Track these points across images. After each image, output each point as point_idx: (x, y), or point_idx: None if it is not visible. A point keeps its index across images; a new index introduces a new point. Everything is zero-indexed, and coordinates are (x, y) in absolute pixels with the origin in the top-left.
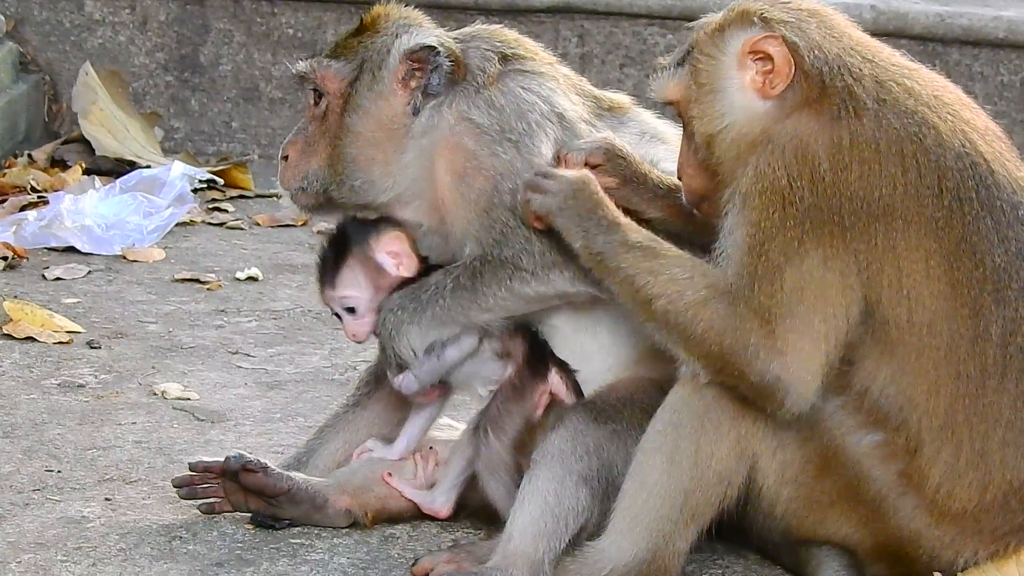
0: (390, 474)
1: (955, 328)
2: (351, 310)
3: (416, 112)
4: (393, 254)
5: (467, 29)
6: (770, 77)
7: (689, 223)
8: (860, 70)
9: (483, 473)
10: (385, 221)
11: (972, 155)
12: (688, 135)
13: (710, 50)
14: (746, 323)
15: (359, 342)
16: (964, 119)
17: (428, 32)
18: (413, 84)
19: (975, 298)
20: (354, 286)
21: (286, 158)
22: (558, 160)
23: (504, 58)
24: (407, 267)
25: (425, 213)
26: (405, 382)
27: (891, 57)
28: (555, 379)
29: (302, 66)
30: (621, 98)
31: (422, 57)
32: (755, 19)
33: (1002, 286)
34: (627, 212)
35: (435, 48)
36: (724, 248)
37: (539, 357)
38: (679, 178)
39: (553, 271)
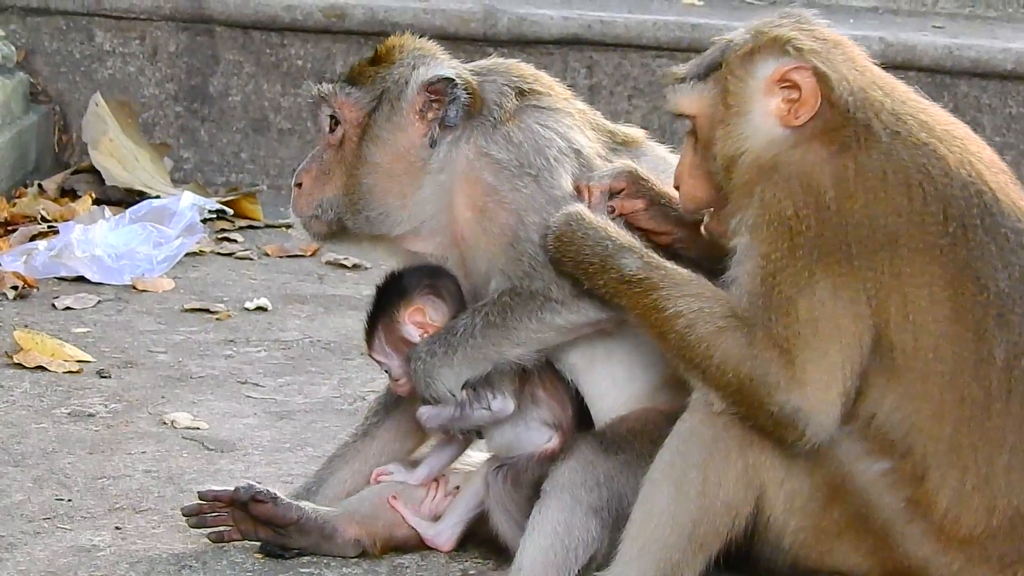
0: (395, 497)
1: (959, 352)
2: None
3: (433, 144)
4: (418, 324)
5: (483, 62)
6: (795, 106)
7: (711, 242)
8: (881, 103)
9: (493, 508)
10: (419, 282)
11: (977, 184)
12: (699, 149)
13: (740, 73)
14: (764, 353)
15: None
16: (971, 151)
17: (445, 64)
18: (430, 116)
19: (979, 322)
20: (381, 353)
21: (299, 185)
22: (579, 191)
23: (521, 93)
24: (430, 333)
25: (445, 247)
26: (427, 416)
27: (907, 92)
28: None
29: (325, 89)
30: (635, 132)
31: (440, 89)
32: (788, 48)
33: (1006, 311)
34: (655, 233)
35: (453, 80)
36: (736, 278)
37: (581, 425)
38: (676, 187)
39: (583, 298)
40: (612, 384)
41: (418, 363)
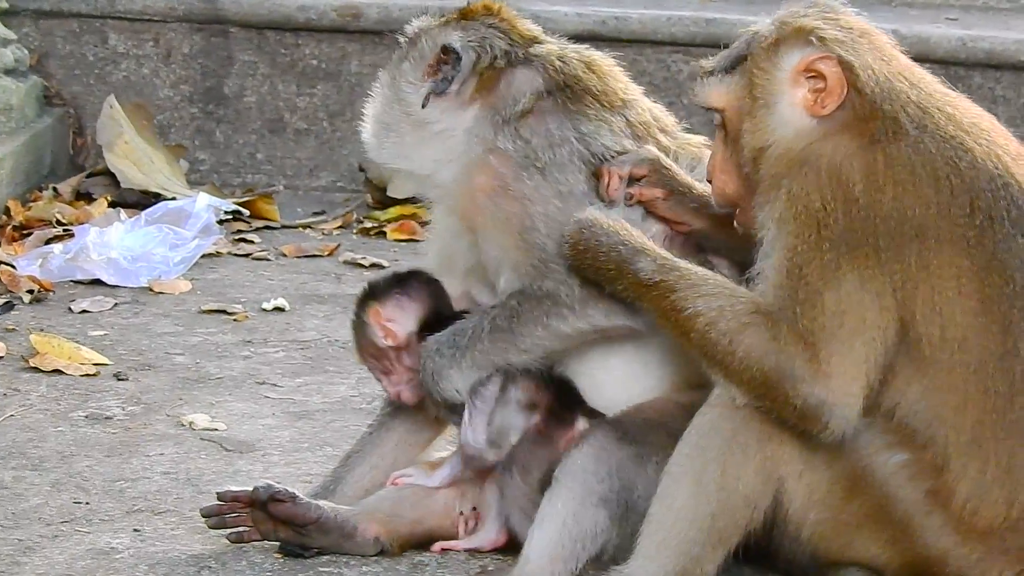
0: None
1: (985, 344)
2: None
3: (424, 105)
4: (380, 326)
5: (556, 47)
6: (821, 96)
7: (732, 235)
8: (907, 95)
9: (508, 507)
10: (388, 286)
11: (1005, 177)
12: (728, 142)
13: (765, 64)
14: (788, 347)
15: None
16: (999, 144)
17: (492, 37)
18: (436, 77)
19: (1004, 315)
20: (363, 358)
21: None
22: (599, 175)
23: (556, 89)
24: (392, 338)
25: (463, 221)
26: (472, 438)
27: (933, 83)
28: (582, 426)
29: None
30: (694, 141)
31: (446, 58)
32: (812, 38)
33: None
34: (674, 223)
35: (457, 54)
36: (762, 271)
37: (566, 404)
38: (708, 180)
39: (589, 305)
40: (612, 382)
41: (428, 360)
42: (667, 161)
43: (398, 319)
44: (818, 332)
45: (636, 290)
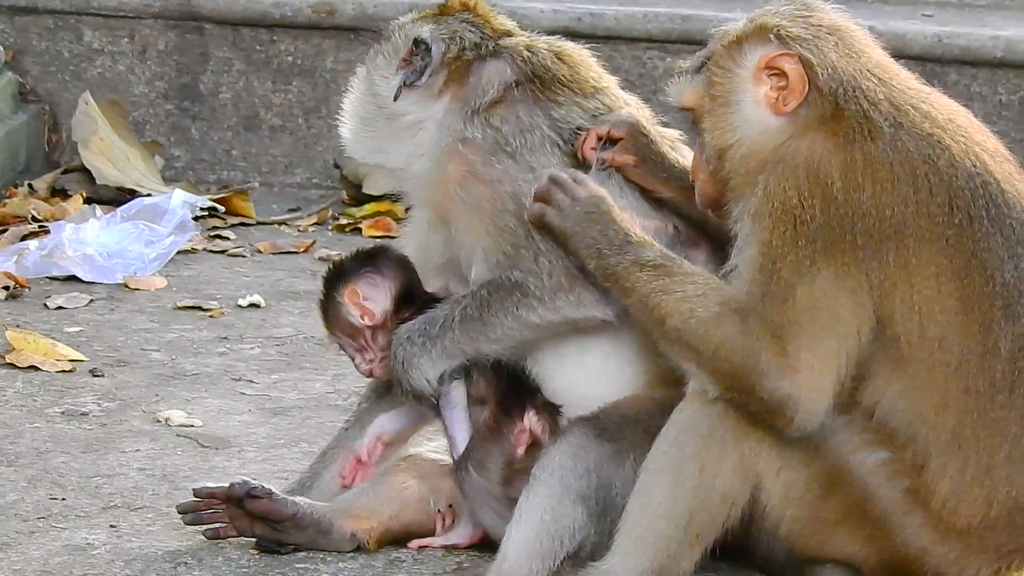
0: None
1: (965, 343)
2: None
3: (396, 98)
4: (356, 305)
5: (526, 40)
6: (784, 93)
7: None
8: (876, 93)
9: (472, 505)
10: (359, 265)
11: (983, 175)
12: (700, 144)
13: (726, 63)
14: (758, 341)
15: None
16: (976, 141)
17: (464, 31)
18: (405, 70)
19: (985, 313)
20: (334, 335)
21: None
22: (581, 138)
23: (527, 79)
24: (369, 317)
25: (437, 214)
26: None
27: (907, 80)
28: (532, 419)
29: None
30: (668, 134)
31: (417, 50)
32: (772, 36)
33: (1011, 302)
34: (642, 191)
35: (427, 46)
36: (736, 266)
37: (515, 397)
38: (691, 181)
39: (559, 296)
40: (585, 377)
41: (399, 347)
42: (646, 126)
43: (374, 297)
44: (787, 327)
45: (628, 269)
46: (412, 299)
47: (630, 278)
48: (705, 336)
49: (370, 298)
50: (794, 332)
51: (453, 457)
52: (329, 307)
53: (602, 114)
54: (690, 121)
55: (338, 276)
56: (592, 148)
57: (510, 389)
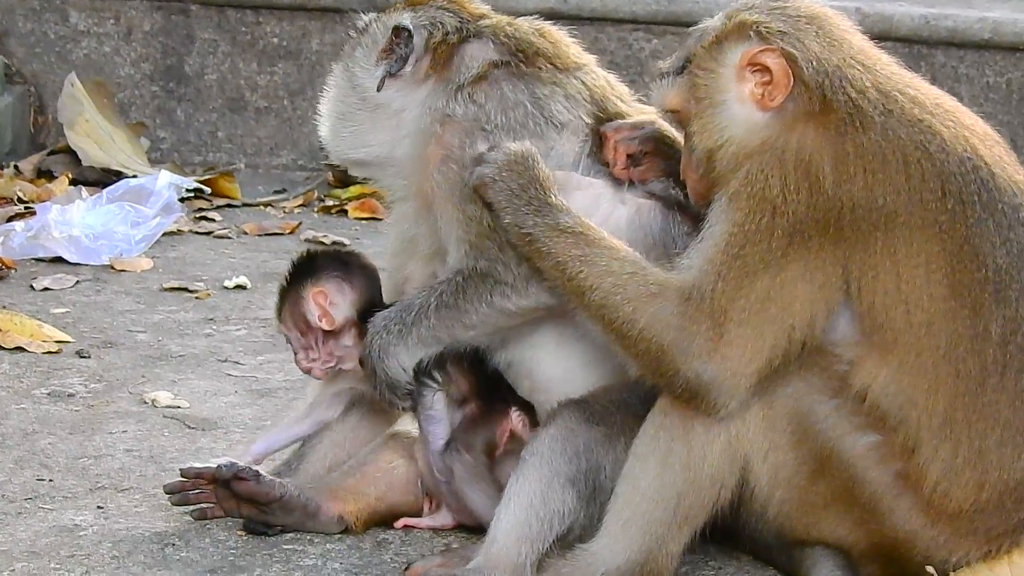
0: (406, 525)
1: (955, 328)
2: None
3: (380, 88)
4: (319, 306)
5: (495, 20)
6: (769, 89)
7: None
8: (862, 81)
9: (462, 485)
10: (331, 265)
11: (974, 160)
12: (689, 146)
13: (708, 63)
14: (695, 324)
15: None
16: (965, 125)
17: (443, 17)
18: (388, 60)
19: (976, 298)
20: (286, 325)
21: None
22: (604, 138)
23: (504, 60)
24: (328, 322)
25: (420, 207)
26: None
27: (890, 65)
28: (515, 417)
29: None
30: (648, 110)
31: (398, 38)
32: (751, 32)
33: (1003, 286)
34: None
35: (409, 32)
36: (698, 242)
37: (497, 396)
38: (683, 180)
39: (532, 283)
40: (562, 372)
41: (375, 337)
42: (669, 131)
43: (339, 304)
44: (731, 313)
45: (546, 232)
46: (370, 315)
47: (547, 241)
48: (632, 314)
49: (336, 304)
50: (738, 319)
51: (435, 469)
52: (289, 299)
53: (583, 96)
54: (676, 122)
55: (307, 271)
56: (624, 169)
57: (490, 387)
